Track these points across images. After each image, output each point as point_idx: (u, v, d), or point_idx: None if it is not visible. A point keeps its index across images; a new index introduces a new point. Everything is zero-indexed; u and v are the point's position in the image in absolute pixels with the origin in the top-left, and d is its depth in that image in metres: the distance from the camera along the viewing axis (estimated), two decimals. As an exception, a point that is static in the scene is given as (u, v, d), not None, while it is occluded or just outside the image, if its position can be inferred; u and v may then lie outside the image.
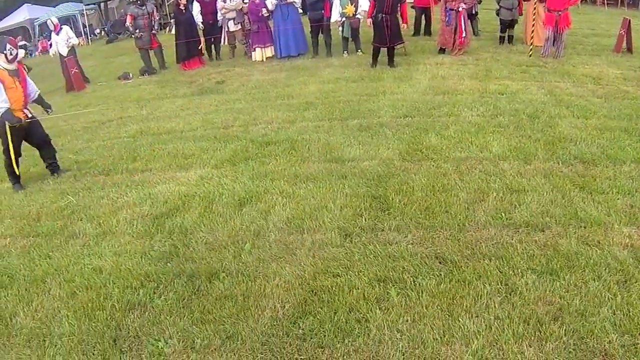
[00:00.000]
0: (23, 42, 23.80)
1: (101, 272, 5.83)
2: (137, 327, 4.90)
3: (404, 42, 15.67)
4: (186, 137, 10.30)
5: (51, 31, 18.33)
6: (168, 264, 5.89)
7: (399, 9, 14.44)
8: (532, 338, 4.34)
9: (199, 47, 18.24)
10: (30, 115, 8.68)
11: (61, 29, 17.54)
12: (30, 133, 8.76)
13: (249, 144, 9.45)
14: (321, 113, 11.02)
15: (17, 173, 8.71)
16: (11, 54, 8.20)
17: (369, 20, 14.83)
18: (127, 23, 18.22)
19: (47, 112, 9.26)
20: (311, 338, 4.56)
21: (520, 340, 4.33)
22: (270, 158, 8.62)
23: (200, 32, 18.13)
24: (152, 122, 11.93)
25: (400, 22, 14.55)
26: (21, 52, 12.51)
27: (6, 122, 8.22)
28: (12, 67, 8.33)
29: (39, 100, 9.07)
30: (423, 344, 4.38)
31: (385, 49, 14.77)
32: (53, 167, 9.13)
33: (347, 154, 8.50)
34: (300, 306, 4.96)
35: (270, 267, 5.61)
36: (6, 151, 8.47)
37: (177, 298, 5.25)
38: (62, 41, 17.36)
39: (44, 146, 9.05)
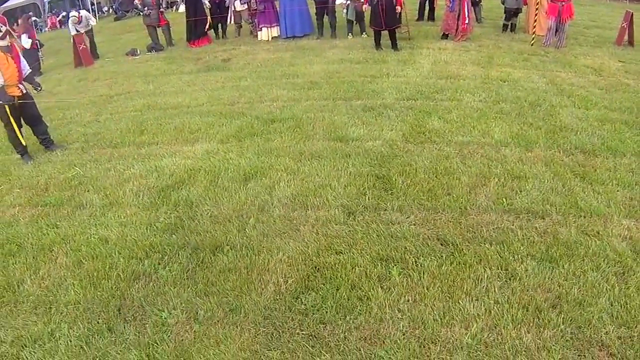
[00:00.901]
0: (34, 18, 23.64)
1: (107, 242, 5.89)
2: (142, 297, 4.97)
3: (400, 26, 15.71)
4: (192, 112, 10.32)
5: (67, 17, 18.34)
6: (173, 235, 5.94)
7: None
8: (531, 324, 4.40)
9: (206, 26, 18.28)
10: (24, 92, 8.66)
11: (82, 17, 17.60)
12: (24, 110, 8.74)
13: (254, 120, 9.48)
14: (326, 93, 11.04)
15: (24, 144, 8.71)
16: (0, 31, 8.17)
17: (366, 6, 14.92)
18: (136, 1, 18.40)
19: (37, 90, 9.38)
20: (313, 314, 4.62)
21: (519, 325, 4.39)
22: (275, 135, 8.66)
23: (207, 12, 18.18)
24: (159, 97, 11.95)
25: (395, 4, 14.50)
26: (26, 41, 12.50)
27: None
28: (4, 43, 8.30)
29: (29, 79, 9.06)
30: (423, 324, 4.45)
31: (387, 32, 14.78)
32: (46, 143, 9.15)
33: (351, 133, 8.54)
34: (303, 282, 5.02)
35: (274, 242, 5.66)
36: (8, 125, 8.49)
37: (181, 269, 5.32)
38: (85, 27, 17.48)
39: (36, 123, 9.04)
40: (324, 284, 4.96)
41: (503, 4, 17.20)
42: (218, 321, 4.61)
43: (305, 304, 4.74)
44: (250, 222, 6.09)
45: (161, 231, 6.04)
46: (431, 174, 7.01)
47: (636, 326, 4.36)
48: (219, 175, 7.31)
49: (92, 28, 18.07)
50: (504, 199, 6.36)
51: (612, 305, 4.59)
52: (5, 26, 8.39)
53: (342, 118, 9.27)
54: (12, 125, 8.45)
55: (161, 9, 18.32)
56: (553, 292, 4.77)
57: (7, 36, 8.32)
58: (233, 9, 18.52)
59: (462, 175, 6.98)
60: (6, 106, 8.31)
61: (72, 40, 17.18)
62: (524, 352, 4.14)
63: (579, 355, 4.13)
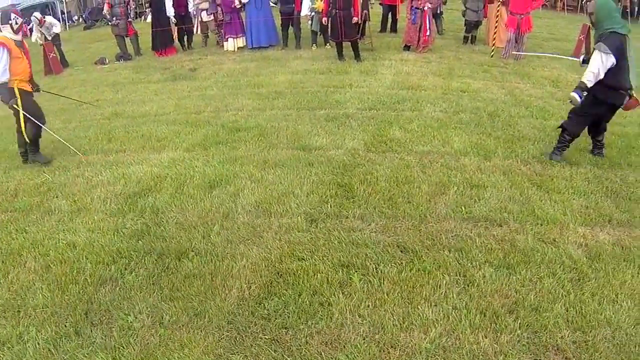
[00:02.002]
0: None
1: (75, 248, 5.88)
2: (108, 301, 4.97)
3: (360, 37, 15.94)
4: (159, 120, 10.30)
5: (32, 22, 18.11)
6: (139, 241, 5.95)
7: (351, 4, 14.53)
8: (488, 329, 4.48)
9: (173, 36, 18.42)
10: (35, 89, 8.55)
11: (45, 21, 17.45)
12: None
13: (219, 129, 9.51)
14: (290, 102, 11.10)
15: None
16: (16, 23, 8.03)
17: (325, 19, 15.07)
18: (105, 10, 18.36)
19: (37, 90, 9.01)
20: (275, 319, 4.65)
21: (477, 330, 4.47)
22: (240, 143, 8.70)
23: (173, 24, 18.26)
24: (127, 105, 11.90)
25: (353, 16, 14.65)
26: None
27: (16, 91, 8.12)
28: (18, 37, 8.16)
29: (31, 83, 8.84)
30: (383, 329, 4.51)
31: (350, 43, 14.91)
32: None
33: (314, 142, 8.61)
34: (266, 287, 5.05)
35: (238, 249, 5.70)
36: (27, 122, 8.32)
37: (147, 275, 5.33)
38: (47, 31, 17.27)
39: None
40: (286, 290, 5.00)
41: (464, 16, 17.49)
42: (183, 325, 4.62)
43: (268, 309, 4.77)
44: (214, 228, 6.12)
45: (128, 237, 6.04)
46: (392, 183, 7.09)
47: (591, 331, 4.45)
48: (184, 182, 7.33)
49: (58, 36, 17.89)
50: (463, 207, 6.46)
51: (567, 311, 4.69)
52: (21, 18, 8.22)
53: (306, 127, 9.33)
54: (26, 121, 8.28)
55: (129, 19, 18.31)
56: (510, 298, 4.86)
57: (21, 30, 8.19)
58: (200, 19, 18.59)
59: (422, 183, 7.07)
60: (19, 97, 8.14)
61: (42, 49, 17.07)
62: (481, 357, 4.21)
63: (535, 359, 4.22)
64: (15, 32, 8.09)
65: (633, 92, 7.20)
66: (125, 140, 9.22)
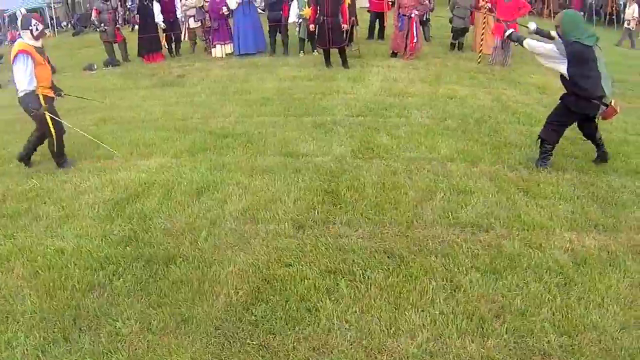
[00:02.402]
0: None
1: (63, 254, 5.86)
2: (97, 307, 4.95)
3: (348, 44, 15.96)
4: (147, 126, 10.26)
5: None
6: (127, 247, 5.94)
7: (339, 11, 14.58)
8: (475, 334, 4.50)
9: (160, 43, 18.45)
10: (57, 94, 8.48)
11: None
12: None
13: (207, 135, 9.49)
14: (277, 109, 11.10)
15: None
16: (37, 29, 7.89)
17: (312, 26, 15.06)
18: (93, 17, 18.47)
19: (60, 95, 8.92)
20: (263, 324, 4.66)
21: (464, 335, 4.49)
22: (228, 150, 8.69)
23: (160, 30, 18.28)
24: (115, 111, 11.83)
25: (341, 23, 14.69)
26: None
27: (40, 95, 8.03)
28: (38, 44, 8.02)
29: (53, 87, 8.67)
30: (370, 335, 4.52)
31: (337, 50, 14.96)
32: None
33: (301, 149, 8.62)
34: (254, 293, 5.05)
35: (225, 255, 5.70)
36: (51, 131, 8.24)
37: (135, 281, 5.32)
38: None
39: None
40: (273, 296, 5.01)
41: (451, 23, 17.53)
42: (170, 331, 4.62)
43: (255, 315, 4.77)
44: (202, 235, 6.12)
45: (116, 243, 6.03)
46: (379, 189, 7.11)
47: (577, 335, 4.48)
48: (172, 189, 7.32)
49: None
50: (450, 213, 6.48)
51: (553, 315, 4.72)
52: (42, 24, 8.11)
53: (293, 134, 9.34)
54: (52, 131, 8.21)
55: (117, 25, 18.35)
56: (497, 303, 4.88)
57: (41, 37, 8.07)
58: (187, 26, 18.64)
59: (409, 190, 7.10)
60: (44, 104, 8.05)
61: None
62: (468, 361, 4.23)
63: (521, 364, 4.24)
64: (36, 38, 7.96)
65: (610, 100, 7.24)
66: (113, 146, 9.16)
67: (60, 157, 8.54)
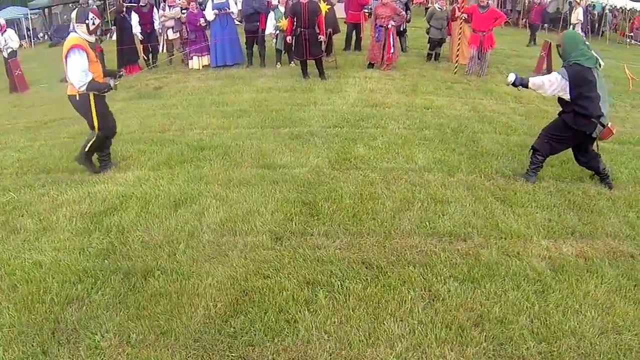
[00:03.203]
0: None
1: (41, 267, 5.78)
2: (75, 320, 4.89)
3: (325, 55, 16.00)
4: (124, 139, 10.15)
5: None
6: (105, 260, 5.88)
7: (316, 22, 14.63)
8: (454, 343, 4.50)
9: (138, 55, 18.39)
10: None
11: (6, 30, 17.25)
12: None
13: (184, 148, 9.44)
14: (254, 121, 11.07)
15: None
16: (93, 24, 7.69)
17: (289, 37, 15.07)
18: (70, 28, 18.11)
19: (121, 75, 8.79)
20: (242, 336, 4.62)
21: (443, 344, 4.48)
22: (205, 162, 8.65)
23: (138, 41, 18.22)
24: (92, 123, 11.72)
25: (319, 34, 14.73)
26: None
27: (91, 94, 7.89)
28: (92, 39, 7.88)
29: (108, 73, 8.59)
30: (349, 345, 4.50)
31: (314, 61, 15.01)
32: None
33: (278, 160, 8.60)
34: (232, 305, 5.02)
35: (203, 267, 5.66)
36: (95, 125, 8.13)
37: (113, 294, 5.26)
38: (2, 43, 17.06)
39: None
40: (252, 308, 4.98)
41: (427, 34, 17.67)
42: (149, 344, 4.57)
43: (234, 327, 4.74)
44: (180, 247, 6.08)
45: (94, 256, 5.97)
46: (356, 200, 7.12)
47: (556, 341, 4.51)
48: (150, 201, 7.26)
49: (15, 52, 17.61)
50: (427, 223, 6.50)
51: (532, 322, 4.75)
52: (99, 19, 7.87)
53: (270, 145, 9.32)
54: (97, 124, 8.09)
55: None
56: (475, 311, 4.89)
57: (96, 32, 7.87)
58: (166, 37, 18.55)
59: (386, 200, 7.11)
60: (93, 100, 7.96)
61: (5, 65, 16.92)
62: (447, 370, 4.23)
63: (500, 371, 4.25)
64: (91, 32, 7.76)
65: (608, 121, 7.28)
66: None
67: (87, 155, 8.39)
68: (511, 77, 7.72)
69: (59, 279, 5.53)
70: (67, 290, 5.34)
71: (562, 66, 7.26)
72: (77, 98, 7.91)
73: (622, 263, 5.80)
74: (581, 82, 7.04)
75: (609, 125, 7.26)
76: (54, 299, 5.19)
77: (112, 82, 8.10)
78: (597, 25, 32.90)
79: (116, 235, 6.45)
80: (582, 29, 23.67)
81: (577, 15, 23.97)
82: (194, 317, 4.89)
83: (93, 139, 8.26)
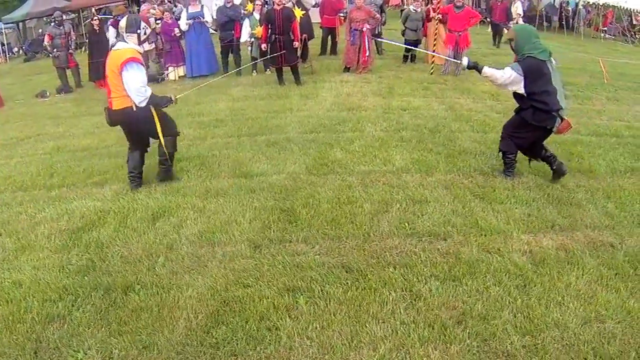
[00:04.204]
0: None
1: (21, 286, 5.71)
2: (57, 339, 4.83)
3: (300, 61, 16.05)
4: (101, 154, 10.10)
5: None
6: (85, 277, 5.81)
7: (291, 28, 14.62)
8: (437, 342, 4.49)
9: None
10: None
11: None
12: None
13: (161, 160, 9.34)
14: (230, 130, 11.04)
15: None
16: (145, 34, 7.47)
17: (264, 45, 15.05)
18: (45, 42, 18.13)
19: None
20: (224, 347, 4.59)
21: (426, 343, 4.47)
22: (182, 174, 8.60)
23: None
24: (69, 139, 11.64)
25: (293, 40, 14.72)
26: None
27: (152, 108, 7.63)
28: (141, 49, 7.68)
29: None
30: (332, 349, 4.47)
31: (290, 68, 15.00)
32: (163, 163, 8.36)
33: (255, 169, 8.56)
34: (213, 316, 4.98)
35: (183, 279, 5.61)
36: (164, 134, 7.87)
37: (94, 310, 5.20)
38: None
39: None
40: (233, 317, 4.94)
41: (403, 35, 17.67)
42: (133, 359, 4.53)
43: (216, 338, 4.70)
44: (159, 260, 6.03)
45: (74, 273, 5.90)
46: (334, 204, 7.09)
47: (539, 334, 4.53)
48: (128, 215, 7.19)
49: None
50: (406, 224, 6.49)
51: (515, 317, 4.75)
52: (150, 28, 7.58)
53: (247, 154, 9.28)
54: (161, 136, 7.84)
55: (70, 51, 18.03)
56: (457, 309, 4.88)
57: (145, 42, 7.54)
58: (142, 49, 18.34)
59: (364, 203, 7.08)
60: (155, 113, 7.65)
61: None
62: (431, 369, 4.21)
63: (485, 367, 4.24)
64: (140, 43, 7.54)
65: (564, 114, 7.27)
66: (68, 175, 9.01)
67: (170, 167, 8.25)
68: (464, 61, 7.81)
69: (40, 297, 5.46)
70: (47, 308, 5.27)
71: (516, 60, 7.24)
72: (134, 109, 7.53)
73: (602, 253, 5.83)
74: (536, 75, 7.03)
75: (566, 118, 7.25)
76: (35, 318, 5.12)
77: (172, 96, 7.94)
78: (571, 20, 33.14)
79: (95, 251, 6.38)
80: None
81: (517, 9, 23.91)
82: (176, 329, 4.84)
83: (167, 149, 8.10)
